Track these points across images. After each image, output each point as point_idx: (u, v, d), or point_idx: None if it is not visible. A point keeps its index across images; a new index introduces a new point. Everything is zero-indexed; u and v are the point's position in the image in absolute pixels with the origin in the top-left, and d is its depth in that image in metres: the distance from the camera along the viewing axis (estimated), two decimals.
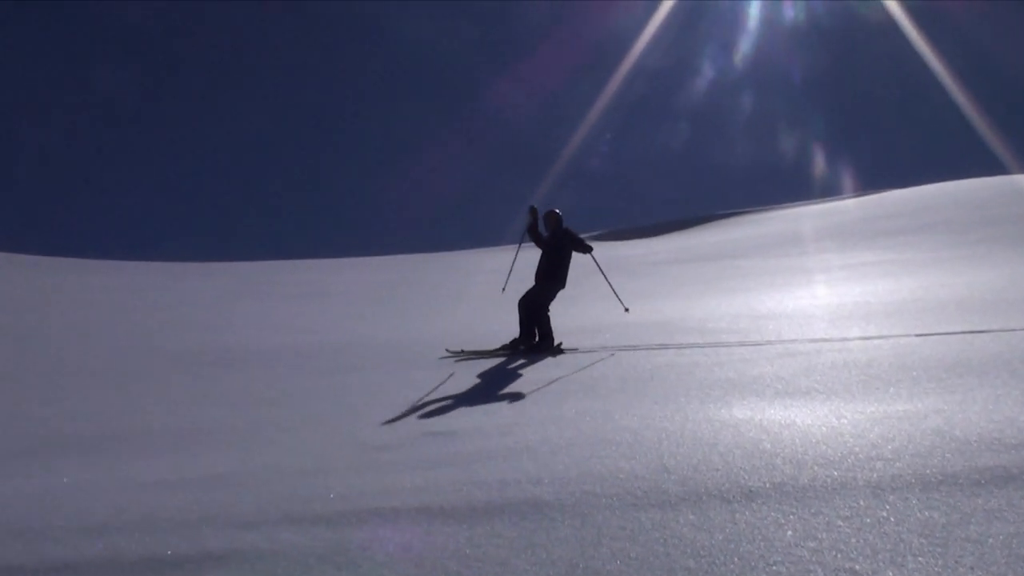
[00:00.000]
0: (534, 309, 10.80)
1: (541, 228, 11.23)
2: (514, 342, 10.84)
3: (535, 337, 10.81)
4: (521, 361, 9.87)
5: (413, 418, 6.33)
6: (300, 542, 3.30)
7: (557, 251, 10.90)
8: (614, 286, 12.40)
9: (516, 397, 7.10)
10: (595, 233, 74.31)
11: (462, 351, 10.89)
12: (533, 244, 11.27)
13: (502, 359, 10.26)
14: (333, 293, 31.23)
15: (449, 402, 7.22)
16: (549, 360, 9.74)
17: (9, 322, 20.89)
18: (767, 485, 3.73)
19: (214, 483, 4.44)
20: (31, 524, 3.68)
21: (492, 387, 7.97)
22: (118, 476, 4.96)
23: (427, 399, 7.57)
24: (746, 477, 3.85)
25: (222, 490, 4.21)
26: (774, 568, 2.94)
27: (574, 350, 10.65)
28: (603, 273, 11.98)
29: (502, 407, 6.60)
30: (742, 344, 9.51)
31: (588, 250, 10.94)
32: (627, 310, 12.31)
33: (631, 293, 21.66)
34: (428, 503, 3.69)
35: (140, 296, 30.97)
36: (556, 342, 10.78)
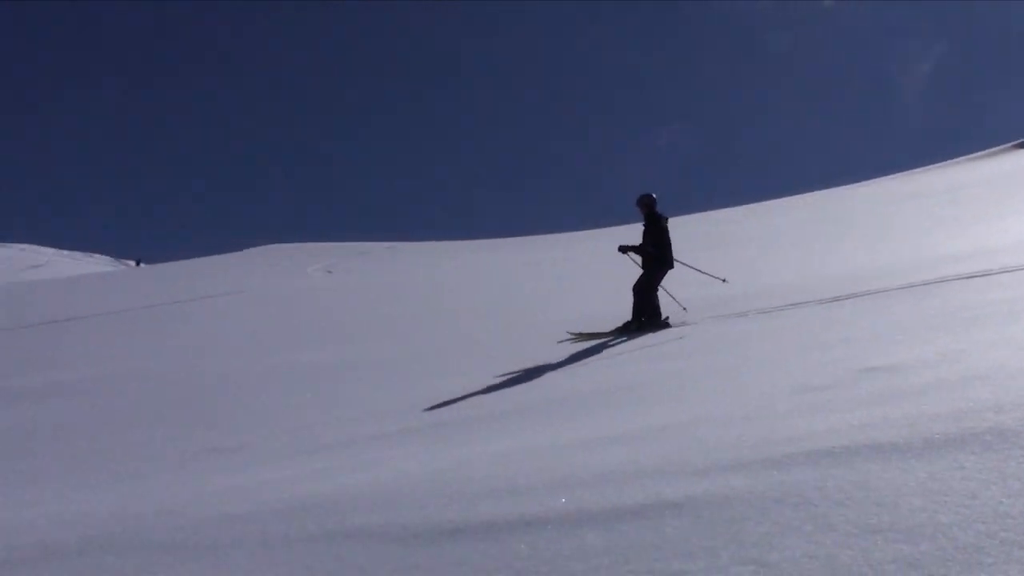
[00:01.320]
0: (647, 292, 11.46)
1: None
2: (627, 324, 11.47)
3: (646, 317, 11.46)
4: (947, 289, 9.26)
5: (847, 355, 6.12)
6: (752, 486, 3.30)
7: (652, 238, 11.48)
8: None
9: (950, 324, 6.66)
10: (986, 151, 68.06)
11: (581, 333, 11.68)
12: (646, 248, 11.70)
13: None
14: (738, 241, 31.02)
15: (880, 336, 6.91)
16: (980, 283, 9.05)
17: (418, 305, 22.81)
18: None
19: (659, 435, 4.56)
20: (498, 483, 3.98)
21: (924, 316, 7.54)
22: (567, 434, 5.24)
23: (857, 335, 7.30)
24: None
25: (668, 441, 4.32)
26: None
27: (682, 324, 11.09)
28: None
29: (938, 335, 6.22)
30: None
31: (644, 250, 11.54)
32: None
33: None
34: (879, 440, 3.54)
35: (532, 270, 32.50)
36: (663, 316, 11.48)
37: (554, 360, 10.08)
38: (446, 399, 8.50)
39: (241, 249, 68.10)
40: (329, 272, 45.03)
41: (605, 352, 10.26)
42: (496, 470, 4.32)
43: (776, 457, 3.57)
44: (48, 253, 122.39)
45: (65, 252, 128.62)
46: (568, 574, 2.82)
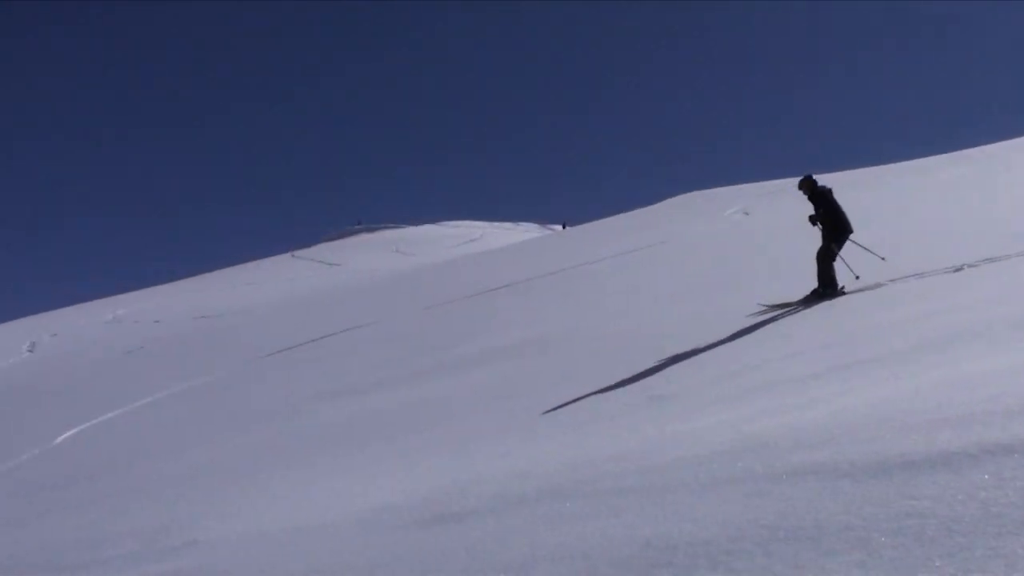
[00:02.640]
0: (826, 261, 12.29)
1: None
2: (815, 292, 12.26)
3: (830, 284, 12.21)
4: None
5: None
6: None
7: (824, 210, 12.44)
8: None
9: None
10: None
11: (772, 304, 12.44)
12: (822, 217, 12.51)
13: None
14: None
15: None
16: None
17: None
18: None
19: None
20: (950, 412, 3.77)
21: None
22: (1015, 358, 4.87)
23: None
24: None
25: None
26: None
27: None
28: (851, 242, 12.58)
29: None
30: None
31: (813, 219, 12.54)
32: (857, 278, 12.46)
33: None
34: None
35: (959, 191, 29.90)
36: (840, 286, 12.27)
37: (975, 285, 9.43)
38: (867, 333, 8.18)
39: (660, 200, 69.11)
40: (746, 214, 44.57)
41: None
42: (946, 399, 4.09)
43: None
44: (482, 226, 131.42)
45: (496, 224, 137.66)
46: None
